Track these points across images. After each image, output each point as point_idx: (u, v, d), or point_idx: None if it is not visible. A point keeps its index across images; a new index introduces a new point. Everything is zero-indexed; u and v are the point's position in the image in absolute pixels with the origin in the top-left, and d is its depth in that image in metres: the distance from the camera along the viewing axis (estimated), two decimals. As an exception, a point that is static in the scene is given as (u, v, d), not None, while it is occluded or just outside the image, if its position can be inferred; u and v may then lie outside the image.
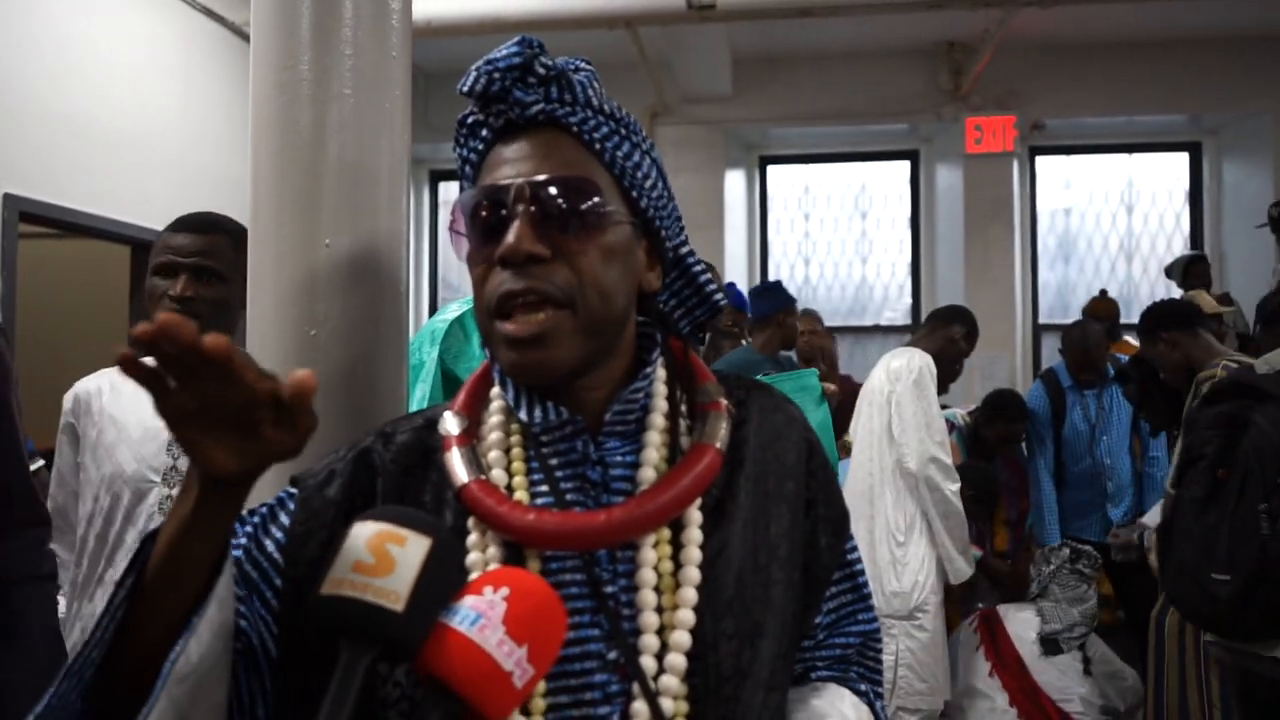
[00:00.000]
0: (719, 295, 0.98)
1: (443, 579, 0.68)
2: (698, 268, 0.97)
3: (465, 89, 0.84)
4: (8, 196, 3.94)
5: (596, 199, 0.82)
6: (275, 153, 1.13)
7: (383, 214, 1.17)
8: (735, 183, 7.01)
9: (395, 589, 0.64)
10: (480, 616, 0.66)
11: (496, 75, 0.83)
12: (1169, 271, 5.72)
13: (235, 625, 0.81)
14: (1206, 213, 6.70)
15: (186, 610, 0.71)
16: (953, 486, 3.24)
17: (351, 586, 0.65)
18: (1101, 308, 5.72)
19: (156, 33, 4.85)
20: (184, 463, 1.73)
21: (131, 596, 0.72)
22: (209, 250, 1.73)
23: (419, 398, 1.49)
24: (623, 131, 0.87)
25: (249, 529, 0.87)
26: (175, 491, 1.73)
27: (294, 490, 0.89)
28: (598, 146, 0.85)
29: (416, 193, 7.64)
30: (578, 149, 0.85)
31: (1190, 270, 5.52)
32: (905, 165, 7.15)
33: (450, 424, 0.89)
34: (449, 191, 7.73)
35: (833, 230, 7.21)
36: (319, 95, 1.11)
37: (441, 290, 7.60)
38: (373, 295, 1.15)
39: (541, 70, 0.83)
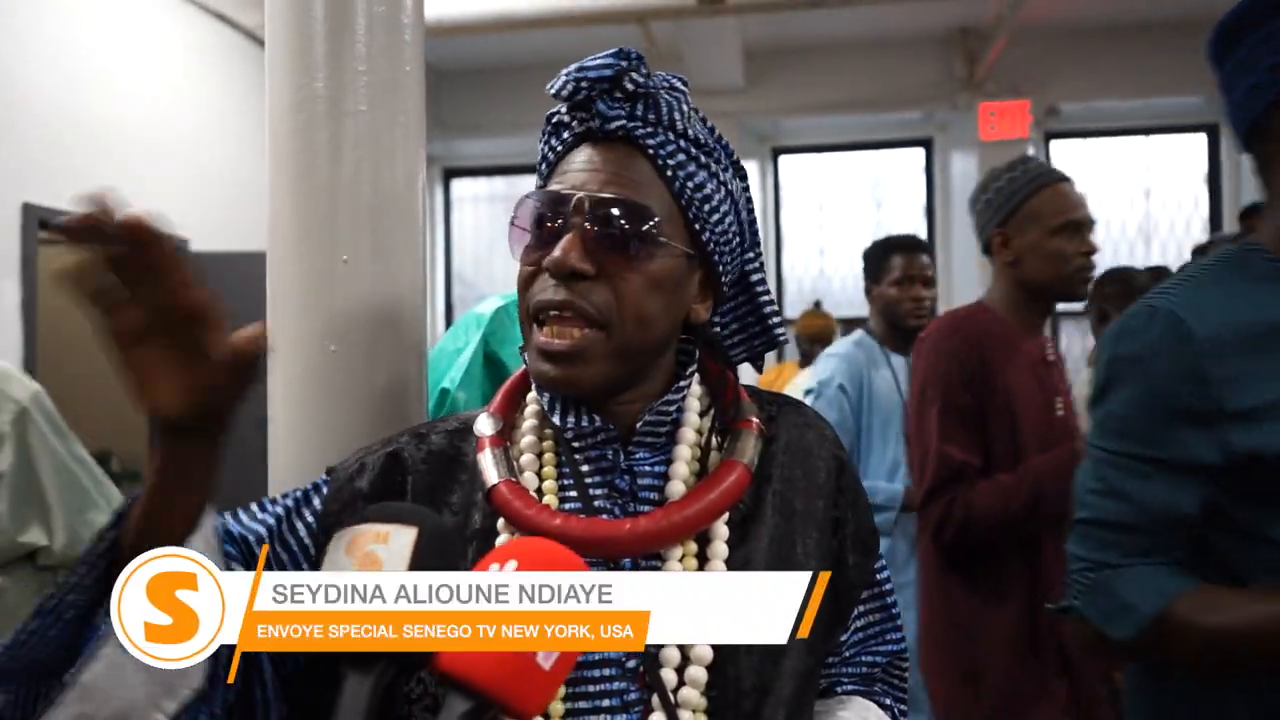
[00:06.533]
0: (781, 331, 0.97)
1: (439, 568, 0.61)
2: (765, 297, 0.96)
3: (553, 91, 0.84)
4: (26, 206, 3.97)
5: (652, 226, 0.82)
6: (293, 170, 1.13)
7: (399, 227, 1.18)
8: (748, 174, 6.96)
9: None
10: None
11: (585, 85, 0.82)
12: (1200, 253, 5.48)
13: None
14: (1225, 195, 6.63)
15: None
16: None
17: None
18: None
19: (169, 39, 4.87)
20: None
21: (111, 551, 0.71)
22: None
23: (462, 364, 1.50)
24: (701, 158, 0.86)
25: (280, 510, 0.87)
26: None
27: (328, 478, 0.90)
28: (669, 173, 0.84)
29: (429, 190, 7.65)
30: (648, 171, 0.84)
31: None
32: (920, 153, 7.12)
33: (485, 425, 0.89)
34: (462, 188, 7.73)
35: (847, 220, 7.18)
36: (334, 112, 1.12)
37: (456, 287, 7.61)
38: (392, 308, 1.16)
39: (630, 86, 0.83)
